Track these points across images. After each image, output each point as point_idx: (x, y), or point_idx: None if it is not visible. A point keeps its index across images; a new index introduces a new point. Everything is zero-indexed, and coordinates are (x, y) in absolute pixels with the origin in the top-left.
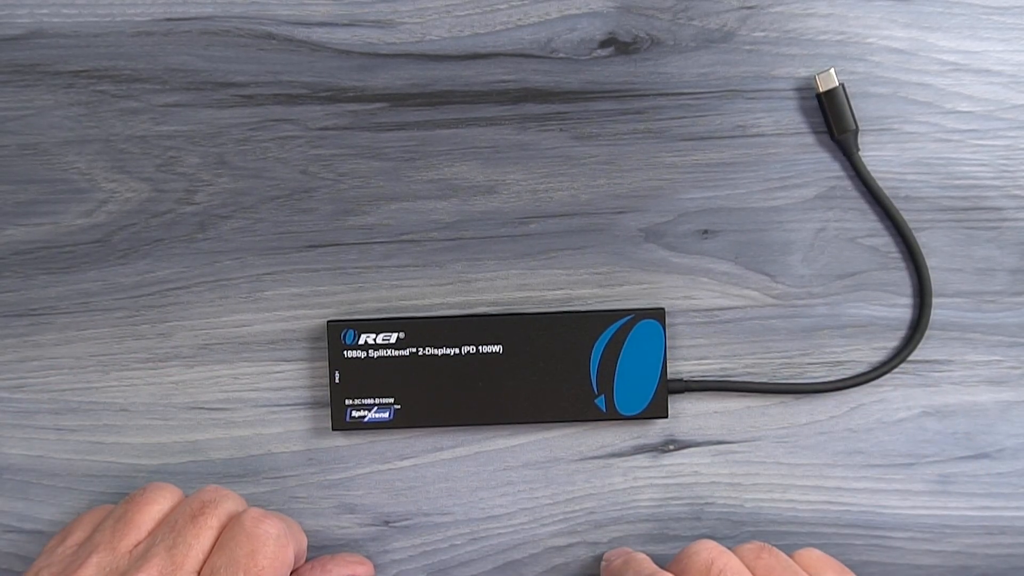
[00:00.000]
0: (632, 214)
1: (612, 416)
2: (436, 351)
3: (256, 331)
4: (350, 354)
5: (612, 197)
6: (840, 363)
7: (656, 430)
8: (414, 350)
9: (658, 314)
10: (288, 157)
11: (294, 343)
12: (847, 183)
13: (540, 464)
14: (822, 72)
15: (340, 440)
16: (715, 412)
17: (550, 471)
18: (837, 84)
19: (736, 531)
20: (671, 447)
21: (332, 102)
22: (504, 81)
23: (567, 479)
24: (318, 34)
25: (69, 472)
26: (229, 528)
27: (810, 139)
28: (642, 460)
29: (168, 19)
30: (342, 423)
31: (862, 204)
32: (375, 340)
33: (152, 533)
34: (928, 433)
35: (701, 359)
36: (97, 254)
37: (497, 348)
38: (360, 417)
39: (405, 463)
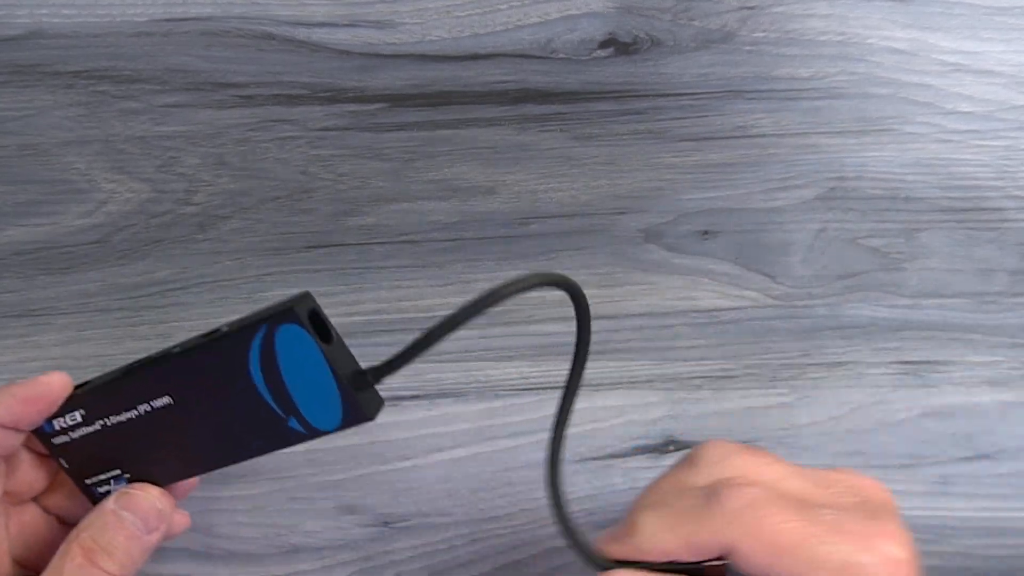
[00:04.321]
0: (632, 215)
1: (314, 434)
2: (119, 417)
3: None
4: (59, 440)
5: (612, 197)
6: (840, 364)
7: (656, 431)
8: (103, 422)
9: (290, 315)
10: (288, 157)
11: None
12: (847, 183)
13: (540, 464)
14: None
15: (340, 441)
16: (715, 412)
17: None
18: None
19: None
20: (671, 447)
21: (332, 102)
22: (504, 81)
23: (567, 480)
24: (318, 34)
25: None
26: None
27: (810, 139)
28: (642, 460)
29: (168, 19)
30: (96, 497)
31: (862, 204)
32: (66, 423)
33: None
34: (928, 434)
35: (701, 359)
36: (97, 254)
37: (166, 400)
38: (106, 492)
39: (405, 463)
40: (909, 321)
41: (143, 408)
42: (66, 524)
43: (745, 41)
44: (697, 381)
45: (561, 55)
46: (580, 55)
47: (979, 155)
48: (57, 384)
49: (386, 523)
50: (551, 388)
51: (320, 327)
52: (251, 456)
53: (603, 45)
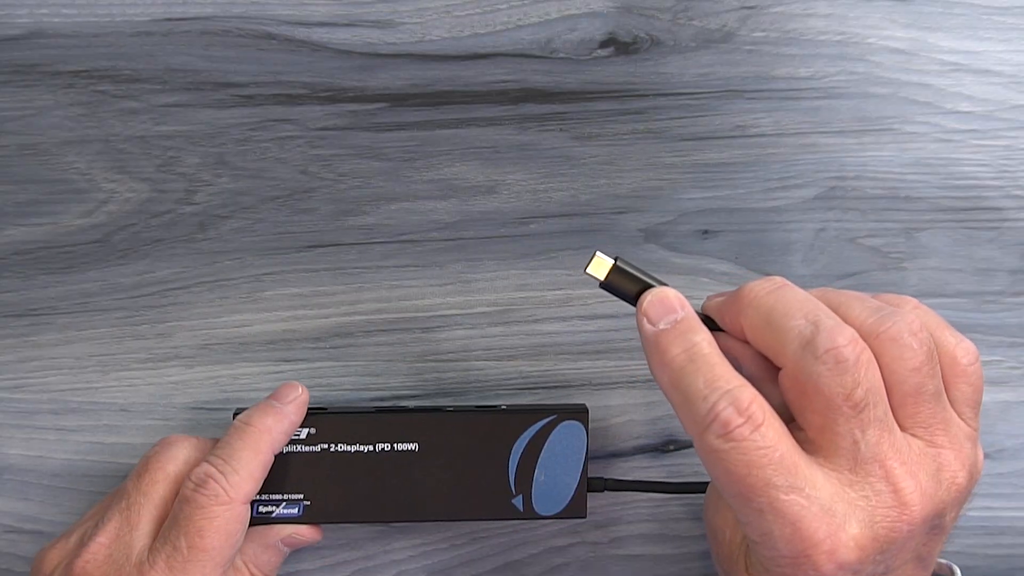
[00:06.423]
0: (632, 214)
1: (529, 515)
2: (348, 448)
3: (256, 331)
4: None
5: (612, 197)
6: None
7: (657, 430)
8: (325, 446)
9: (581, 416)
10: (288, 157)
11: (294, 343)
12: (847, 183)
13: None
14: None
15: None
16: None
17: None
18: (611, 262)
19: None
20: (671, 447)
21: (332, 102)
22: (504, 81)
23: None
24: (318, 34)
25: (69, 472)
26: (178, 499)
27: (810, 139)
28: (642, 460)
29: (168, 19)
30: (252, 516)
31: (862, 204)
32: None
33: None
34: None
35: None
36: (97, 254)
37: (413, 446)
38: (267, 512)
39: None
40: None
41: (381, 447)
42: None
43: (745, 41)
44: None
45: (561, 55)
46: (580, 55)
47: (979, 155)
48: (307, 395)
49: (386, 523)
50: (551, 388)
51: None
52: (448, 519)
53: (603, 45)
